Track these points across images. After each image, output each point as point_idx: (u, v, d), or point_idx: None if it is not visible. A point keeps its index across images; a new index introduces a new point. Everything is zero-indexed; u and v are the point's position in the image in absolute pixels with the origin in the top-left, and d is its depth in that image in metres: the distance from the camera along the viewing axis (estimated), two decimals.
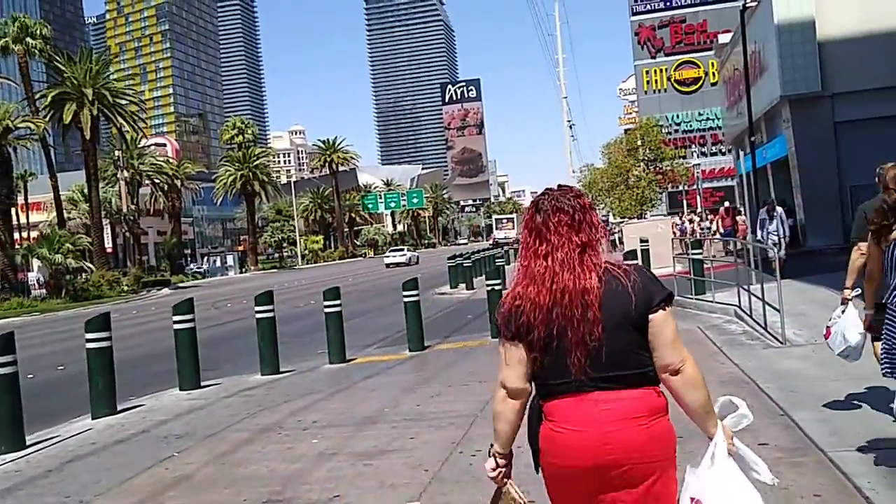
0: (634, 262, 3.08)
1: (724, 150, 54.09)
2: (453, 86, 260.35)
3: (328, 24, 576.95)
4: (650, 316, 2.46)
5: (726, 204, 24.81)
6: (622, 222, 40.53)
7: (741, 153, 33.32)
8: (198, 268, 70.30)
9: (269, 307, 11.42)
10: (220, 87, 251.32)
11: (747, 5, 25.80)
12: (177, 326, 10.56)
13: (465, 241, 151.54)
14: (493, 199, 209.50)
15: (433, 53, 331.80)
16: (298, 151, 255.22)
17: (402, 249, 68.38)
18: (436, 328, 15.79)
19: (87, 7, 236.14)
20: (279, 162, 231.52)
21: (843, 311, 6.02)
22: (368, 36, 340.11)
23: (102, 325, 9.13)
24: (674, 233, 25.59)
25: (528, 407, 2.62)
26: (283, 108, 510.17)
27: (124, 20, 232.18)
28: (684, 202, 44.22)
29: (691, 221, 28.13)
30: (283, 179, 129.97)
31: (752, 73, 30.49)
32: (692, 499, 2.44)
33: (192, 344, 10.54)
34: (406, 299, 12.79)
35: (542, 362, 2.50)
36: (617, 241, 48.19)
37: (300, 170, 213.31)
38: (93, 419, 8.94)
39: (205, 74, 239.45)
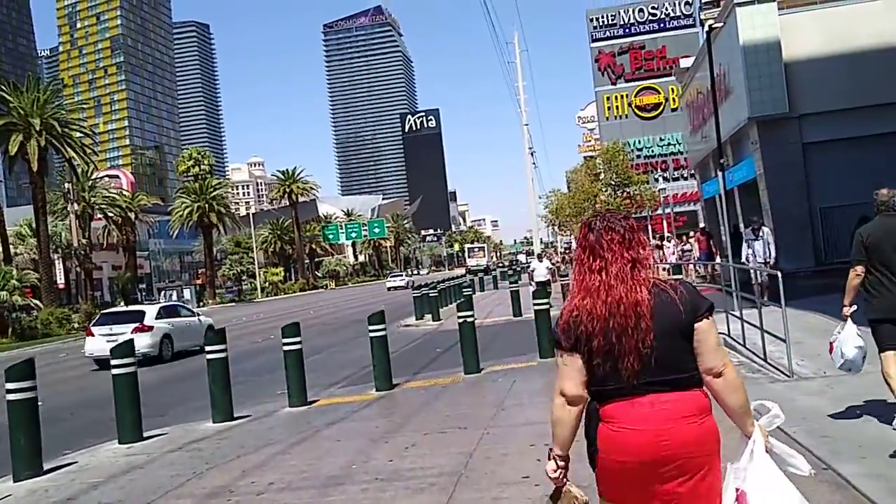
0: (679, 277, 2.84)
1: (685, 175, 54.06)
2: (413, 115, 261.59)
3: (287, 55, 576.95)
4: (696, 325, 2.68)
5: (701, 226, 24.20)
6: None
7: (716, 175, 32.95)
8: (151, 303, 68.20)
9: (221, 347, 10.34)
10: (177, 118, 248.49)
11: (713, 26, 25.44)
12: (115, 371, 9.41)
13: (427, 270, 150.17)
14: (453, 229, 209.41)
15: (392, 84, 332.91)
16: (258, 183, 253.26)
17: (401, 275, 76.19)
18: (403, 364, 14.78)
19: (40, 40, 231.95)
20: (238, 194, 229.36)
21: (842, 328, 6.31)
22: (327, 67, 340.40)
23: (25, 373, 7.97)
24: None
25: (585, 411, 2.80)
26: (241, 140, 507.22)
27: (78, 52, 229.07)
28: (649, 228, 43.78)
29: (658, 247, 27.46)
30: (243, 211, 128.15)
31: (718, 96, 30.22)
32: (737, 489, 2.67)
33: (133, 390, 9.38)
34: (372, 334, 11.80)
35: (599, 369, 2.69)
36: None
37: (259, 202, 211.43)
38: (14, 482, 7.77)
39: (161, 106, 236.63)
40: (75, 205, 47.76)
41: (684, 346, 2.66)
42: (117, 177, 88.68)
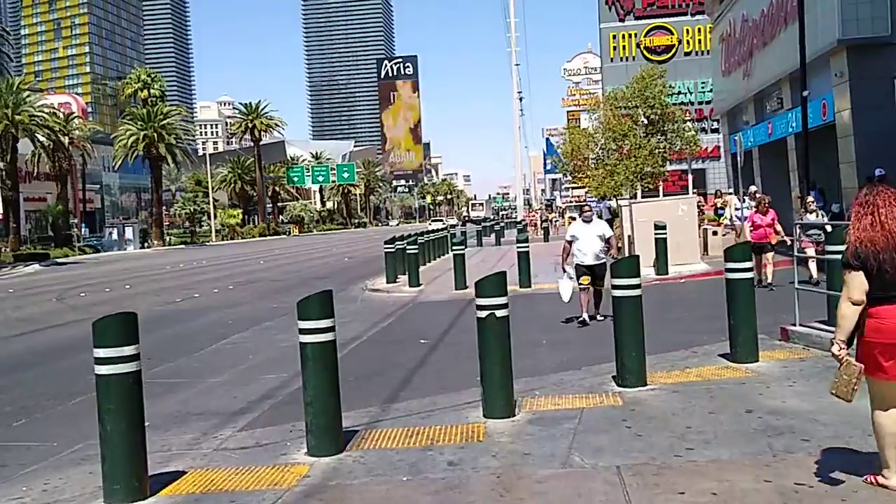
0: None
1: (696, 130, 48.04)
2: (389, 61, 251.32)
3: None
4: None
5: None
6: (601, 201, 33.82)
7: (755, 122, 26.78)
8: (97, 240, 61.38)
9: None
10: (142, 49, 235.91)
11: None
12: None
13: (396, 221, 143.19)
14: (426, 181, 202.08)
15: (370, 28, 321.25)
16: (226, 123, 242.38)
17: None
18: (370, 364, 8.74)
19: None
20: (205, 133, 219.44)
21: None
22: (304, 8, 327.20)
23: None
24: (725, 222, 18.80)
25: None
26: (212, 79, 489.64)
27: None
28: (660, 186, 37.82)
29: (721, 207, 21.06)
30: (210, 150, 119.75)
31: (780, 20, 24.14)
32: None
33: None
34: (305, 337, 5.64)
35: (878, 280, 4.05)
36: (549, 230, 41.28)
37: (228, 143, 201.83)
38: None
39: (126, 34, 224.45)
40: None
41: None
42: (69, 102, 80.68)
